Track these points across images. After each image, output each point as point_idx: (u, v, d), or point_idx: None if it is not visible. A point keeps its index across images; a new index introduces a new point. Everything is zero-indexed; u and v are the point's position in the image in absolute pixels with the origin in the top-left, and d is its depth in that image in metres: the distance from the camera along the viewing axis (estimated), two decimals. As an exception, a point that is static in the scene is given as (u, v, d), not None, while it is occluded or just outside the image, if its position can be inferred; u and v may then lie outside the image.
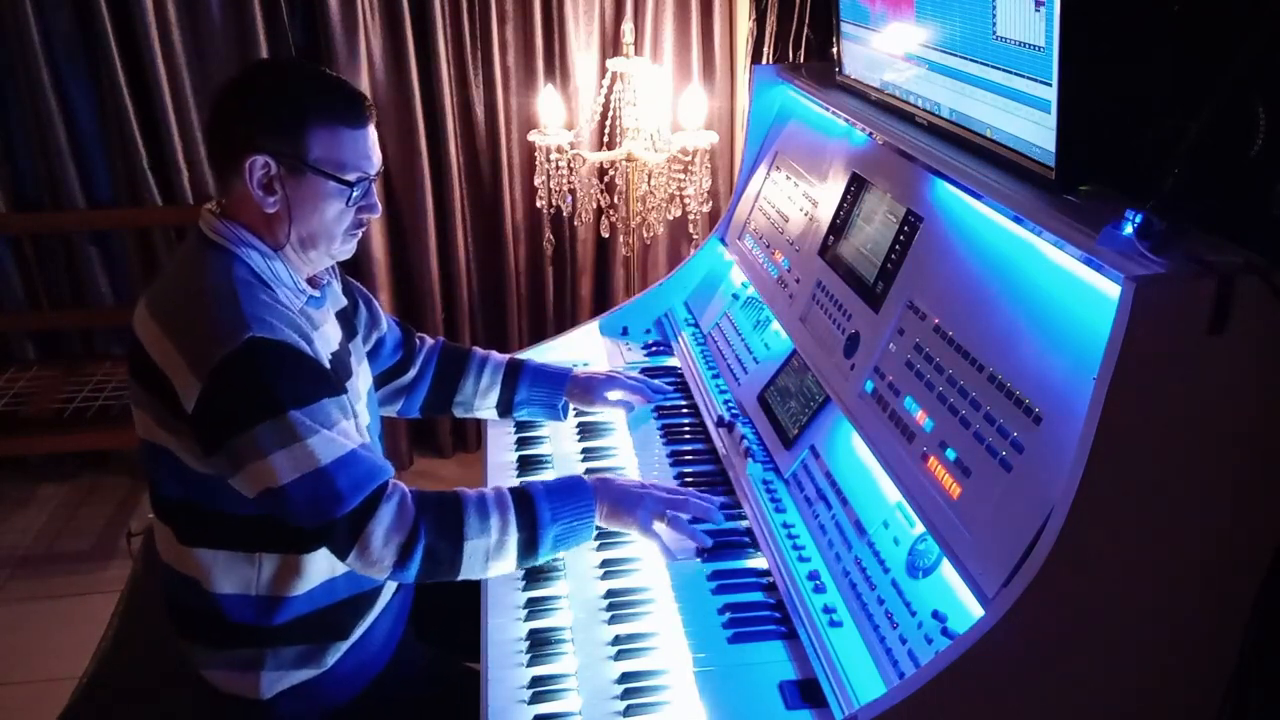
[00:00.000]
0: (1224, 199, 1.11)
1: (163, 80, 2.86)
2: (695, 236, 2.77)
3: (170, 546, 1.38)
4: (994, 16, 1.27)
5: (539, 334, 3.33)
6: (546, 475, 1.73)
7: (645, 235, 2.81)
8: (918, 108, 1.57)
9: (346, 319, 1.53)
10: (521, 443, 1.87)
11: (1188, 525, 1.05)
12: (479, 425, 2.09)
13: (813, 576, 1.38)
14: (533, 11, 2.99)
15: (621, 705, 1.26)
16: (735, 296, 2.07)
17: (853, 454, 1.48)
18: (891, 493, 1.35)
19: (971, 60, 1.36)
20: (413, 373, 1.73)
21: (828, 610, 1.31)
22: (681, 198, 2.69)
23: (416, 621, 1.60)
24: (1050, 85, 1.18)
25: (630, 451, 1.81)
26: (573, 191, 2.74)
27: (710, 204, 2.89)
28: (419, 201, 3.10)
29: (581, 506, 1.39)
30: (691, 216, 2.72)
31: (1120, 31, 1.20)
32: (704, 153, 2.63)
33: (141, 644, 1.71)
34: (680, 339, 2.10)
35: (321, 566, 1.36)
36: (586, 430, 1.87)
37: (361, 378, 1.52)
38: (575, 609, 1.44)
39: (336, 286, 1.55)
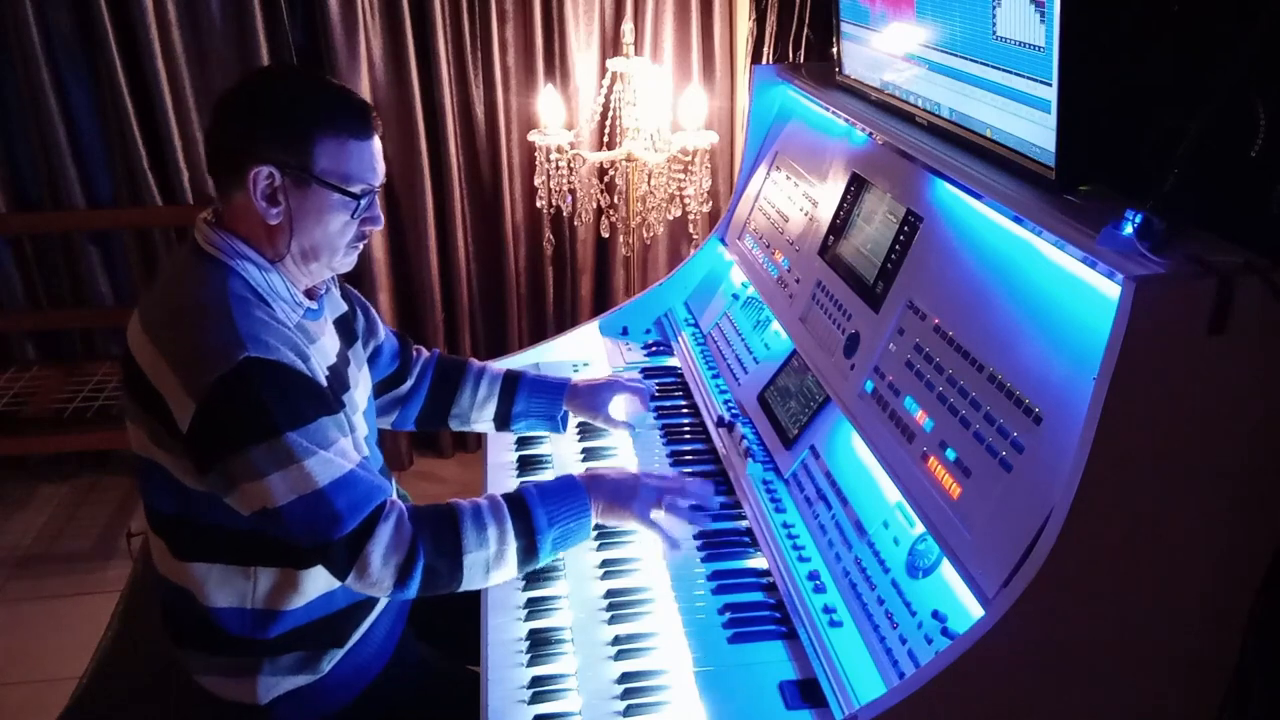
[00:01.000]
0: (1224, 199, 1.10)
1: (163, 80, 2.86)
2: (695, 236, 2.77)
3: (165, 559, 1.36)
4: (994, 16, 1.27)
5: (539, 334, 3.33)
6: (546, 475, 1.73)
7: (645, 235, 2.81)
8: (918, 108, 1.57)
9: (346, 325, 1.52)
10: (521, 443, 1.87)
11: (1188, 525, 1.05)
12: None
13: (813, 576, 1.38)
14: (533, 11, 2.99)
15: (621, 705, 1.26)
16: (735, 296, 2.07)
17: (853, 454, 1.48)
18: (891, 493, 1.35)
19: (971, 60, 1.36)
20: (409, 383, 1.71)
21: (828, 610, 1.31)
22: (681, 198, 2.69)
23: (416, 622, 1.59)
24: (1050, 85, 1.18)
25: (630, 452, 1.81)
26: (573, 191, 2.74)
27: (710, 204, 2.89)
28: (419, 201, 3.10)
29: (577, 507, 1.37)
30: (691, 216, 2.72)
31: (1120, 31, 1.20)
32: (704, 153, 2.63)
33: (141, 644, 1.71)
34: (680, 339, 2.10)
35: (319, 581, 1.35)
36: (587, 430, 1.87)
37: (360, 387, 1.50)
38: (575, 609, 1.44)
39: (335, 292, 1.53)
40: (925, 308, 1.39)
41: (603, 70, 2.96)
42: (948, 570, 1.20)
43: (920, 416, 1.30)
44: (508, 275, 3.27)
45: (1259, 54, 1.04)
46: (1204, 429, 1.02)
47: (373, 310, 1.66)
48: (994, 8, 1.26)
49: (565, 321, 3.36)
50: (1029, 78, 1.22)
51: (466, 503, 1.34)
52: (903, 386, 1.36)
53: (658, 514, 1.42)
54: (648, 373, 2.07)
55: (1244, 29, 1.05)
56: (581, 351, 2.16)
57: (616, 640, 1.37)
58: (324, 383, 1.31)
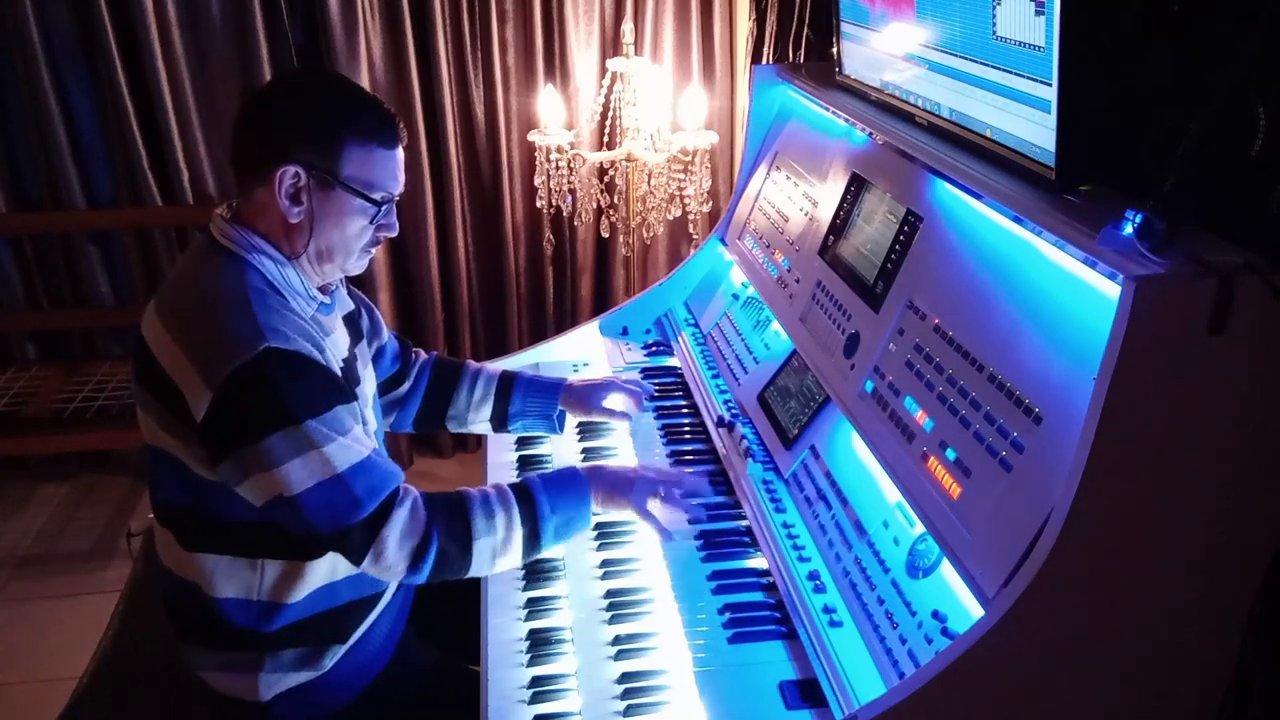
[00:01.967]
0: (1224, 199, 1.10)
1: (163, 80, 2.86)
2: (695, 236, 2.77)
3: (171, 550, 1.38)
4: (994, 16, 1.27)
5: (539, 334, 3.33)
6: (546, 475, 1.73)
7: (645, 235, 2.81)
8: (918, 108, 1.57)
9: (353, 323, 1.54)
10: (521, 443, 1.87)
11: (1188, 525, 1.05)
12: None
13: (813, 576, 1.38)
14: (533, 11, 2.99)
15: (621, 705, 1.27)
16: (735, 296, 2.07)
17: (853, 454, 1.48)
18: (891, 493, 1.35)
19: (971, 60, 1.36)
20: (407, 385, 1.72)
21: (828, 610, 1.31)
22: (681, 198, 2.69)
23: (417, 621, 1.59)
24: (1050, 85, 1.18)
25: (630, 452, 1.82)
26: (573, 191, 2.74)
27: (710, 204, 2.89)
28: (419, 201, 3.10)
29: (578, 496, 1.41)
30: (691, 216, 2.72)
31: (1120, 31, 1.20)
32: (704, 153, 2.63)
33: (141, 644, 1.71)
34: (680, 339, 2.10)
35: (321, 571, 1.36)
36: (587, 430, 1.88)
37: (368, 382, 1.52)
38: (575, 609, 1.44)
39: (343, 290, 1.55)
40: (925, 308, 1.39)
41: (603, 70, 2.96)
42: (948, 570, 1.20)
43: (920, 416, 1.30)
44: (508, 275, 3.27)
45: (1259, 54, 1.04)
46: (1204, 429, 1.02)
47: (376, 311, 1.67)
48: (994, 8, 1.26)
49: (565, 321, 3.36)
50: (1029, 78, 1.22)
51: (475, 490, 1.37)
52: (903, 386, 1.36)
53: (654, 505, 1.45)
54: (648, 373, 2.07)
55: (1244, 29, 1.05)
56: (581, 352, 2.16)
57: (616, 640, 1.37)
58: (339, 372, 1.33)
